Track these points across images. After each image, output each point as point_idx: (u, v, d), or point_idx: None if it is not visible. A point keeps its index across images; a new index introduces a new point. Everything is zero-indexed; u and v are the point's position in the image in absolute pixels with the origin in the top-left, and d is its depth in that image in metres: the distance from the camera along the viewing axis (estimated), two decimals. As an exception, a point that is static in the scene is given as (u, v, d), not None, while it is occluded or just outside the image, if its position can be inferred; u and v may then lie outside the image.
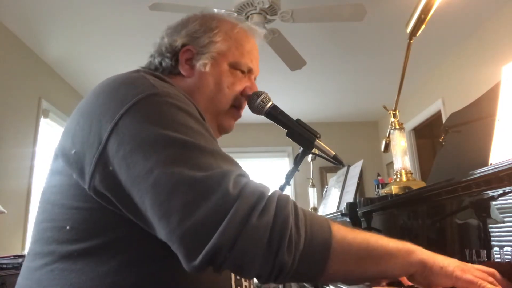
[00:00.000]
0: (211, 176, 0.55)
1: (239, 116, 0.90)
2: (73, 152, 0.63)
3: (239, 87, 0.87)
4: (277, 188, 1.09)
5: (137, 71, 0.74)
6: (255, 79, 0.92)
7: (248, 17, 2.49)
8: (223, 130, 0.89)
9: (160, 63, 0.84)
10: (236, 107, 0.88)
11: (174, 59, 0.83)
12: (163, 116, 0.60)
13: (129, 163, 0.57)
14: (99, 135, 0.60)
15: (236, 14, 2.46)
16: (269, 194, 0.56)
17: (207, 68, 0.83)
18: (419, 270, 0.58)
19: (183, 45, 0.83)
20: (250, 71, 0.89)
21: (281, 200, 0.56)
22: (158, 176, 0.54)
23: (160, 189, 0.54)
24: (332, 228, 0.57)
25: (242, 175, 0.59)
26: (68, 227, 0.62)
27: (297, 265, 0.53)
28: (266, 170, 5.44)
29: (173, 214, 0.53)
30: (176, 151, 0.56)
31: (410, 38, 1.17)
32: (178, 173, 0.54)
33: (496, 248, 0.61)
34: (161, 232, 0.54)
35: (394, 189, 1.16)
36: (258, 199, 0.54)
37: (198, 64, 0.83)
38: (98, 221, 0.61)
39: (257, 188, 0.56)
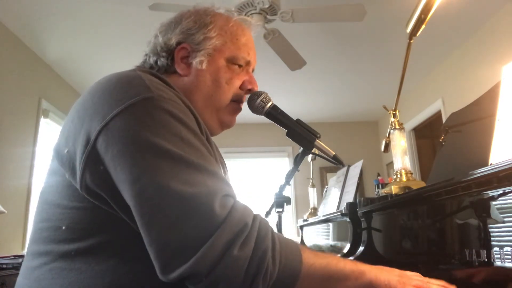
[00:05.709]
0: (197, 194, 0.55)
1: (239, 109, 0.89)
2: (65, 151, 0.63)
3: (237, 82, 0.86)
4: (277, 187, 1.11)
5: (134, 70, 0.73)
6: (253, 70, 0.91)
7: (248, 17, 2.49)
8: (224, 125, 0.88)
9: (156, 62, 0.83)
10: (236, 102, 0.87)
11: (170, 58, 0.82)
12: (155, 123, 0.59)
13: (117, 165, 0.57)
14: (88, 134, 0.60)
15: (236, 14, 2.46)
16: (251, 222, 0.57)
17: (204, 66, 0.81)
18: None
19: (178, 43, 0.82)
20: (247, 64, 0.88)
21: (261, 230, 0.58)
22: (144, 186, 0.55)
23: (144, 199, 0.55)
24: (302, 255, 0.61)
25: (229, 195, 0.59)
26: (64, 227, 0.62)
27: None
28: (266, 170, 5.43)
29: (154, 227, 0.54)
30: (164, 163, 0.56)
31: (410, 38, 1.17)
32: (164, 187, 0.54)
33: (496, 248, 0.61)
34: (143, 237, 0.56)
35: (394, 189, 1.16)
36: (242, 227, 0.56)
37: (195, 62, 0.81)
38: (94, 220, 0.61)
39: (243, 215, 0.57)
